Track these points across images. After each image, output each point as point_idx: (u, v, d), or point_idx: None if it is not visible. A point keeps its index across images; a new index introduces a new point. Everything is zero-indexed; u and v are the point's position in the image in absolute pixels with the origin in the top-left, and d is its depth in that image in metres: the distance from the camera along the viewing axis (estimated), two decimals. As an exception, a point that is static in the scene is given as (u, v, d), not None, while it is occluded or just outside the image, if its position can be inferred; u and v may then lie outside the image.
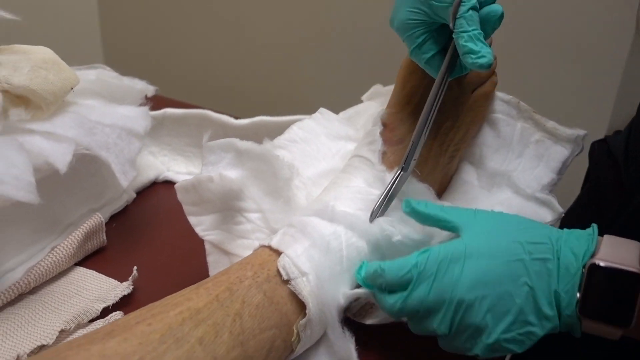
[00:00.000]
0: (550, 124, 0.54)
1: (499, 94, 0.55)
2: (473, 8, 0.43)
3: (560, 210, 0.51)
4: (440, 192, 0.54)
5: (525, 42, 0.99)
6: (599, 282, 0.38)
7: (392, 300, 0.41)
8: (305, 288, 0.41)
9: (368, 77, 0.75)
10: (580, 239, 0.40)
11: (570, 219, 0.60)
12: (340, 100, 0.68)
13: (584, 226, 0.42)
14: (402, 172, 0.47)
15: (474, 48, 0.42)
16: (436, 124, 0.51)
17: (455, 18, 0.43)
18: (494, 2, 0.45)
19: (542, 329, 0.38)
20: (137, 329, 0.35)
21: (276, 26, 1.28)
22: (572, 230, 0.41)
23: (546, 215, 0.51)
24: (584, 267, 0.38)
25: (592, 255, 0.39)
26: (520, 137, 0.54)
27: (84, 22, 1.45)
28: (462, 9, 0.43)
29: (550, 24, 0.99)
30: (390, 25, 0.49)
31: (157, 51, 1.47)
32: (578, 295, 0.38)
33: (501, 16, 0.44)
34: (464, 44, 0.43)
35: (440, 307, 0.39)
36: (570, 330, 0.39)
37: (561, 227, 0.70)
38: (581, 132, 0.54)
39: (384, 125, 0.52)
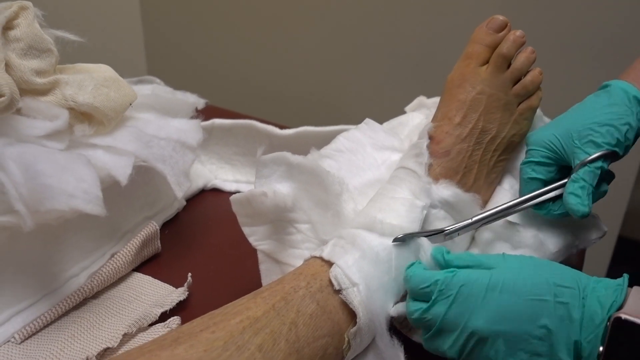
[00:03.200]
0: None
1: (545, 118, 0.57)
2: (600, 168, 0.47)
3: (604, 229, 0.52)
4: (485, 202, 0.55)
5: (572, 59, 0.99)
6: (622, 337, 0.36)
7: (413, 307, 0.42)
8: (355, 298, 0.43)
9: (410, 88, 0.77)
10: (608, 289, 0.39)
11: None
12: (383, 111, 0.70)
13: None
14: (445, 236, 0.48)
15: (581, 194, 0.46)
16: (482, 133, 0.53)
17: (582, 165, 0.47)
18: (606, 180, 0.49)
19: None
20: (201, 336, 0.37)
21: (320, 38, 1.30)
22: (602, 279, 0.41)
23: (590, 234, 0.52)
24: (609, 319, 0.37)
25: (619, 308, 0.38)
26: None
27: (128, 37, 1.49)
28: (594, 163, 0.47)
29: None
30: (527, 137, 0.52)
31: (200, 62, 1.51)
32: (601, 348, 0.37)
33: (603, 193, 0.49)
34: (576, 188, 0.46)
35: (453, 331, 0.40)
36: None
37: None
38: None
39: (430, 138, 0.53)
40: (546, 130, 0.51)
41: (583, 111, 0.50)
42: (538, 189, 0.50)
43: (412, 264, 0.44)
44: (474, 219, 0.48)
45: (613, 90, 0.50)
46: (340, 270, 0.44)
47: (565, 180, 0.48)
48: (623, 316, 0.36)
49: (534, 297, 0.39)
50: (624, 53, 0.96)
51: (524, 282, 0.39)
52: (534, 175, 0.50)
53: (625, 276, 0.40)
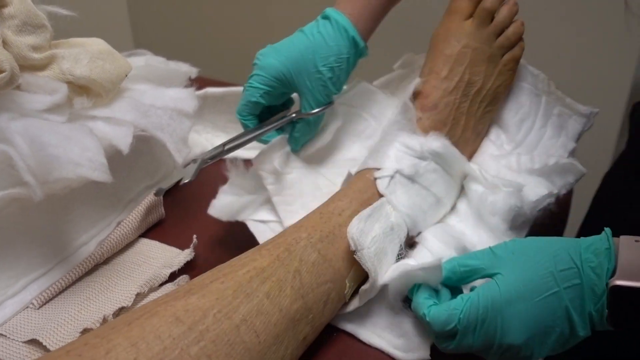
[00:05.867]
0: (568, 100, 0.59)
1: (529, 67, 0.59)
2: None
3: (583, 170, 0.54)
4: (472, 152, 0.57)
5: (543, 12, 1.00)
6: (623, 302, 0.39)
7: (443, 345, 0.43)
8: (369, 260, 0.45)
9: (397, 46, 0.78)
10: (598, 255, 0.40)
11: (617, 173, 0.64)
12: (371, 69, 0.71)
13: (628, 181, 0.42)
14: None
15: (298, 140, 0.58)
16: (468, 86, 0.55)
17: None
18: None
19: (575, 339, 0.41)
20: (212, 287, 0.40)
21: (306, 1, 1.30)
22: (587, 240, 0.41)
23: (569, 178, 0.55)
24: (607, 285, 0.39)
25: (613, 272, 0.39)
26: (544, 109, 0.58)
27: (113, 12, 1.48)
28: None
29: None
30: (256, 59, 0.56)
31: (186, 34, 1.51)
32: (607, 312, 0.39)
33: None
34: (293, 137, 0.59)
35: (489, 349, 0.42)
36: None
37: (605, 183, 0.73)
38: (594, 109, 0.59)
39: (419, 92, 0.55)
40: (277, 58, 0.55)
41: (311, 44, 0.55)
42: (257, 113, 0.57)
43: (429, 306, 0.43)
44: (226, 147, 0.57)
45: (333, 23, 0.55)
46: (355, 235, 0.45)
47: (293, 115, 0.57)
48: (619, 283, 0.38)
49: (546, 294, 0.40)
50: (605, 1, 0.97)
51: (531, 283, 0.41)
52: (261, 100, 0.56)
53: (608, 232, 0.41)
